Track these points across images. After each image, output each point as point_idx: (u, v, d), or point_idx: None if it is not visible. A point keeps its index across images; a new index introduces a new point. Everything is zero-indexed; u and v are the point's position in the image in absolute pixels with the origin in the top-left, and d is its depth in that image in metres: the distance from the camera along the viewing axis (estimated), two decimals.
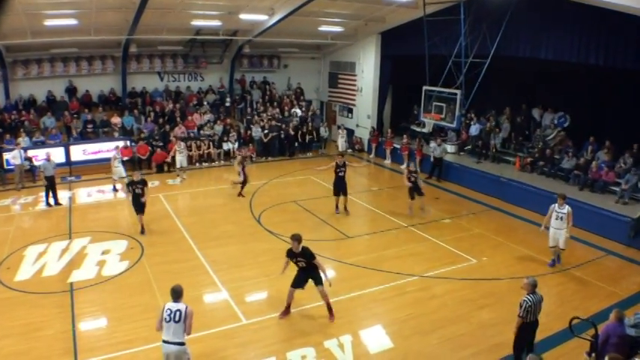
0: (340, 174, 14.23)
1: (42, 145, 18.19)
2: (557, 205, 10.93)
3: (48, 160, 15.05)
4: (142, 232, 12.75)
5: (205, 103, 23.41)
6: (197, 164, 20.43)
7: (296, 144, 23.01)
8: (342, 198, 14.55)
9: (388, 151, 21.95)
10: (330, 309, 8.90)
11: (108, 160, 17.74)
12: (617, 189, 14.46)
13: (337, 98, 26.13)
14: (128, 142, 19.41)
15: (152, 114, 21.50)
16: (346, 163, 14.44)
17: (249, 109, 23.94)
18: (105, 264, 10.99)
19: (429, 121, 19.35)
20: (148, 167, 19.25)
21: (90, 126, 20.28)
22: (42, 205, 15.10)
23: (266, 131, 22.15)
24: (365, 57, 23.38)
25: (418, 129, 21.99)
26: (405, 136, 21.00)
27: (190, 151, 20.08)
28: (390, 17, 20.54)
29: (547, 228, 11.16)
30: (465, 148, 20.22)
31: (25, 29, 16.83)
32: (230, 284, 10.16)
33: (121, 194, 16.24)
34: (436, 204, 15.86)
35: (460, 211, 15.50)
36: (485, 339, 8.39)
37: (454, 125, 17.57)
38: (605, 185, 14.87)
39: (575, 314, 7.52)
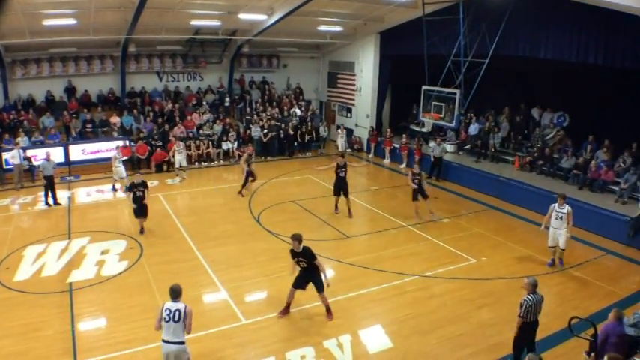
0: (341, 174, 14.21)
1: (41, 145, 18.16)
2: (557, 204, 10.92)
3: (48, 160, 15.03)
4: (142, 232, 12.73)
5: (204, 102, 23.40)
6: (196, 164, 20.42)
7: (295, 144, 23.01)
8: (344, 199, 14.48)
9: (387, 151, 21.96)
10: (328, 309, 8.91)
11: (107, 159, 17.76)
12: (616, 188, 14.47)
13: (336, 98, 26.13)
14: (127, 142, 19.39)
15: (151, 114, 21.50)
16: (347, 163, 14.42)
17: (248, 109, 23.93)
18: (104, 264, 10.99)
19: (428, 121, 19.37)
20: (147, 167, 19.23)
21: (89, 126, 20.25)
22: (41, 205, 15.09)
23: (265, 131, 22.14)
24: (364, 57, 23.38)
25: (417, 128, 22.03)
26: (404, 135, 21.01)
27: (189, 150, 20.08)
28: (389, 17, 20.54)
29: (547, 228, 11.16)
30: (464, 147, 20.24)
31: (23, 29, 16.81)
32: (229, 284, 10.16)
33: (121, 194, 16.23)
34: (435, 203, 15.80)
35: (459, 210, 15.51)
36: (485, 338, 8.40)
37: (453, 125, 17.57)
38: (604, 185, 14.88)
39: (575, 314, 7.54)
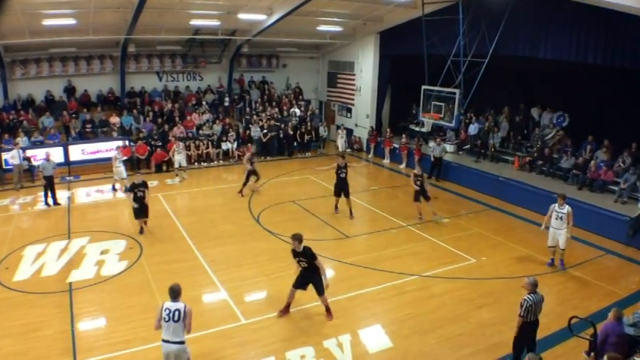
0: (341, 175, 14.18)
1: (40, 145, 18.17)
2: (557, 205, 10.90)
3: (47, 159, 15.00)
4: (141, 232, 12.72)
5: (204, 102, 23.41)
6: (196, 164, 20.41)
7: (295, 144, 23.01)
8: (344, 200, 14.43)
9: (387, 151, 21.96)
10: (328, 309, 8.92)
11: (106, 159, 17.77)
12: (615, 188, 14.48)
13: (336, 98, 26.13)
14: (127, 142, 19.39)
15: (151, 114, 21.51)
16: (347, 164, 14.40)
17: (247, 109, 23.93)
18: (104, 264, 10.98)
19: (427, 121, 19.39)
20: (146, 167, 19.24)
21: (88, 126, 20.25)
22: (41, 205, 15.08)
23: (265, 131, 22.14)
24: (364, 56, 23.38)
25: (417, 128, 22.05)
26: (403, 135, 21.01)
27: (189, 151, 20.08)
28: (388, 17, 20.54)
29: (547, 228, 11.13)
30: (464, 147, 20.25)
31: (23, 29, 16.82)
32: (229, 284, 10.15)
33: (120, 194, 16.24)
34: (435, 203, 15.75)
35: (459, 210, 15.51)
36: (484, 338, 8.39)
37: (453, 125, 17.58)
38: (604, 184, 14.89)
39: (574, 313, 7.54)
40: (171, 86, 23.48)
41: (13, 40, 17.66)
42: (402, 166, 20.88)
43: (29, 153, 17.32)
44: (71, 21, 16.72)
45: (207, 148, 20.94)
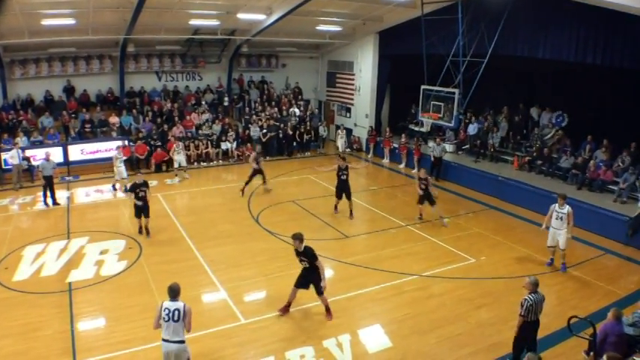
0: (342, 177, 14.12)
1: (40, 144, 18.16)
2: (557, 205, 10.88)
3: (47, 159, 14.98)
4: (140, 231, 12.67)
5: (203, 102, 23.40)
6: (195, 164, 20.40)
7: (294, 143, 23.01)
8: (346, 201, 14.34)
9: (386, 151, 21.96)
10: (328, 309, 8.92)
11: (106, 159, 17.78)
12: (615, 188, 14.49)
13: (335, 98, 26.13)
14: (126, 142, 19.38)
15: (150, 114, 21.51)
16: (348, 166, 14.35)
17: (247, 109, 23.94)
18: (103, 264, 10.98)
19: (427, 121, 19.39)
20: (146, 167, 19.24)
21: (88, 126, 20.24)
22: (40, 205, 15.07)
23: (264, 131, 22.14)
24: (363, 56, 23.39)
25: (416, 128, 22.06)
26: (403, 135, 21.01)
27: (189, 150, 20.07)
28: (387, 17, 20.55)
29: (548, 228, 11.10)
30: (463, 147, 20.26)
31: (22, 29, 16.81)
32: (228, 284, 10.15)
33: (120, 194, 16.25)
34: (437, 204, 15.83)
35: (458, 210, 15.51)
36: (484, 338, 8.40)
37: (452, 124, 17.59)
38: (603, 184, 14.89)
39: (574, 313, 7.53)
40: (171, 86, 23.47)
41: (12, 39, 17.65)
42: (402, 165, 20.89)
43: (28, 153, 17.31)
44: (70, 21, 16.71)
45: (207, 147, 20.93)
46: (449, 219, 14.43)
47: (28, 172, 17.29)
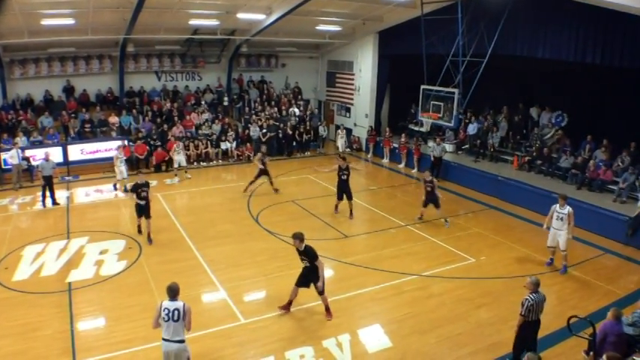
0: (343, 177, 14.11)
1: (40, 144, 18.16)
2: (558, 205, 10.86)
3: (46, 159, 14.97)
4: (139, 231, 12.62)
5: (203, 102, 23.39)
6: (195, 164, 20.39)
7: (294, 143, 23.01)
8: (346, 202, 14.31)
9: (386, 151, 21.96)
10: (327, 309, 8.93)
11: (106, 159, 17.77)
12: (614, 188, 14.50)
13: (335, 97, 26.13)
14: (126, 142, 19.37)
15: (150, 113, 21.51)
16: (349, 166, 14.33)
17: (247, 109, 23.94)
18: (103, 264, 10.97)
19: (426, 120, 19.41)
20: (145, 167, 19.23)
21: (87, 125, 20.24)
22: (40, 205, 15.06)
23: (264, 131, 22.14)
24: (363, 56, 23.38)
25: (416, 128, 22.08)
26: (403, 135, 21.01)
27: (188, 150, 20.07)
28: (387, 16, 20.55)
29: (549, 228, 11.07)
30: (463, 147, 20.26)
31: (22, 29, 16.81)
32: (228, 284, 10.15)
33: (120, 194, 16.24)
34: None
35: (458, 210, 15.51)
36: (483, 338, 8.40)
37: (452, 124, 17.60)
38: (603, 184, 14.89)
39: (573, 313, 7.53)
40: (170, 86, 23.46)
41: (11, 39, 17.65)
42: (401, 165, 20.90)
43: (28, 153, 17.31)
44: (70, 21, 16.70)
45: (207, 147, 20.93)
46: (449, 220, 14.44)
47: (28, 172, 17.29)
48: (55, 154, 17.41)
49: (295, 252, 8.73)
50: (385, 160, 21.97)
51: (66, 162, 18.37)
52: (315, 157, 22.62)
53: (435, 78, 17.48)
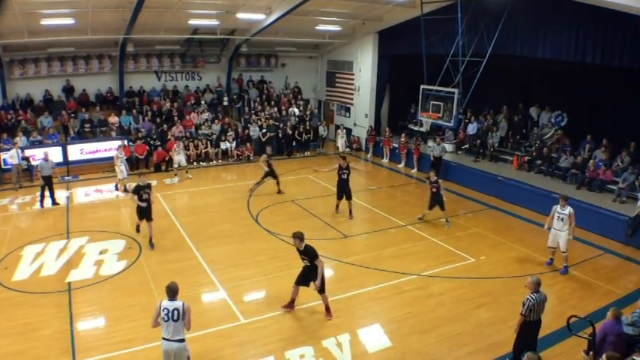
0: (343, 176, 14.10)
1: (39, 144, 18.15)
2: (558, 206, 10.85)
3: (46, 159, 14.95)
4: (138, 230, 12.53)
5: (203, 102, 23.39)
6: (194, 163, 20.39)
7: (294, 143, 23.01)
8: (346, 201, 14.32)
9: (386, 151, 21.96)
10: (327, 308, 8.93)
11: (105, 159, 17.75)
12: (614, 187, 14.50)
13: (335, 97, 26.13)
14: (126, 142, 19.35)
15: (150, 113, 21.51)
16: (349, 165, 14.33)
17: (246, 109, 23.93)
18: (103, 263, 10.97)
19: (426, 120, 19.40)
20: (145, 166, 19.22)
21: (87, 125, 20.24)
22: (39, 205, 15.06)
23: (264, 130, 22.14)
24: (362, 56, 23.38)
25: (416, 128, 22.08)
26: (403, 135, 21.01)
27: (188, 150, 20.06)
28: (387, 16, 20.55)
29: (550, 229, 11.05)
30: (463, 147, 20.26)
31: (21, 28, 16.80)
32: (228, 283, 10.15)
33: (120, 194, 16.24)
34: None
35: (458, 210, 15.48)
36: (483, 338, 8.41)
37: (452, 124, 17.60)
38: (603, 184, 14.90)
39: (573, 313, 7.52)
40: (170, 86, 23.46)
41: (11, 39, 17.63)
42: (401, 165, 20.90)
43: (28, 153, 17.29)
44: (70, 21, 16.69)
45: (206, 147, 20.92)
46: (449, 220, 14.45)
47: (28, 171, 17.28)
48: (55, 154, 17.41)
49: (295, 252, 8.74)
50: (385, 160, 21.98)
51: (66, 162, 18.36)
52: (315, 157, 22.62)
53: (435, 78, 17.48)
